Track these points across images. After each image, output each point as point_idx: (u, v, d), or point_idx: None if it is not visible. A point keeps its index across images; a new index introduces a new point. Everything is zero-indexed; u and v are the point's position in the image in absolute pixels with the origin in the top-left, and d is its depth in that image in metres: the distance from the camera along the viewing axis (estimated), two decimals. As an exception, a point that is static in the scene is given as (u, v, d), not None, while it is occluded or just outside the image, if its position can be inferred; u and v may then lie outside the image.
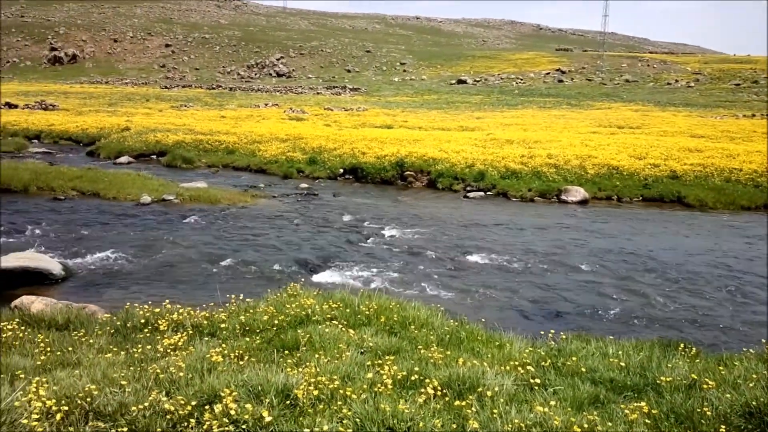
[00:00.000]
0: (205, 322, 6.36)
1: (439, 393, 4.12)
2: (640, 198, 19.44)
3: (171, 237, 12.87)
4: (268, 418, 3.60)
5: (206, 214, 15.25)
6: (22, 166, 19.03)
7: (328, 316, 6.42)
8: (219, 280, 10.05)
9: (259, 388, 4.08)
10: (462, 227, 15.01)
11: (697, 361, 5.45)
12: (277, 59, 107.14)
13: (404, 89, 79.16)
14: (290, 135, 27.48)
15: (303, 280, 9.57)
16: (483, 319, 6.88)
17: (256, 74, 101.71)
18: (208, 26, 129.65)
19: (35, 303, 7.59)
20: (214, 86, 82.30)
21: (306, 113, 43.84)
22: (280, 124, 33.86)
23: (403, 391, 4.24)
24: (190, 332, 6.06)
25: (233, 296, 7.15)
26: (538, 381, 4.54)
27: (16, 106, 43.15)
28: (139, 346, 5.50)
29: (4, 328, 6.08)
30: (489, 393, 4.12)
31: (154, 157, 25.60)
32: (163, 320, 6.29)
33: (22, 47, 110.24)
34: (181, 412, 3.68)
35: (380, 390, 4.10)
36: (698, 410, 4.04)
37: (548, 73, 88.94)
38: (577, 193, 19.14)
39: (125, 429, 3.50)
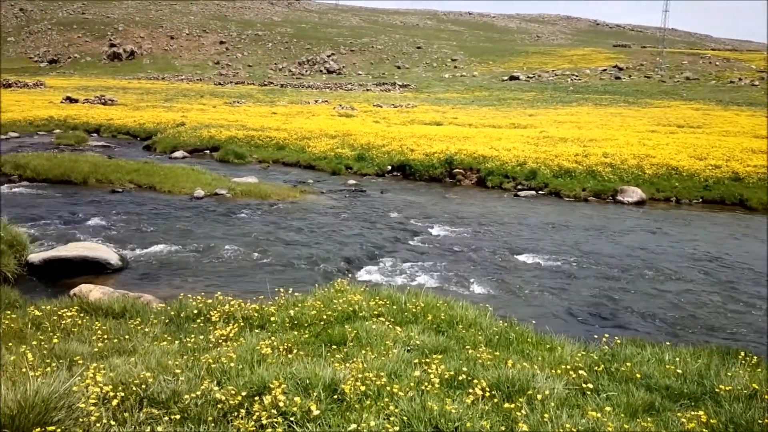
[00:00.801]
0: (255, 314, 6.47)
1: (487, 394, 4.06)
2: (700, 200, 18.72)
3: (223, 230, 13.15)
4: (315, 412, 3.62)
5: (256, 208, 15.51)
6: (82, 159, 19.80)
7: (375, 312, 6.42)
8: (268, 273, 10.21)
9: (307, 381, 4.10)
10: (512, 226, 14.78)
11: (759, 370, 5.20)
12: (328, 56, 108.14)
13: (454, 86, 78.64)
14: (339, 131, 27.68)
15: (350, 276, 9.63)
16: (533, 321, 6.74)
17: (306, 71, 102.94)
18: (261, 23, 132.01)
19: (93, 291, 7.87)
20: (265, 83, 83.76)
21: (355, 110, 44.09)
22: (330, 121, 34.14)
23: (450, 391, 4.20)
24: (241, 324, 6.17)
25: (282, 290, 7.24)
26: (590, 386, 4.41)
27: (76, 101, 44.86)
28: (192, 336, 5.63)
29: (64, 314, 6.33)
30: (539, 396, 4.02)
31: (208, 152, 26.22)
32: (215, 311, 6.43)
33: (83, 43, 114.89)
34: (231, 402, 3.74)
35: (427, 389, 4.06)
36: (759, 421, 3.85)
37: (605, 70, 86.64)
38: (634, 193, 18.58)
39: (178, 416, 3.57)
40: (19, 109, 37.32)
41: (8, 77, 67.16)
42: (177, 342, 5.51)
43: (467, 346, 5.38)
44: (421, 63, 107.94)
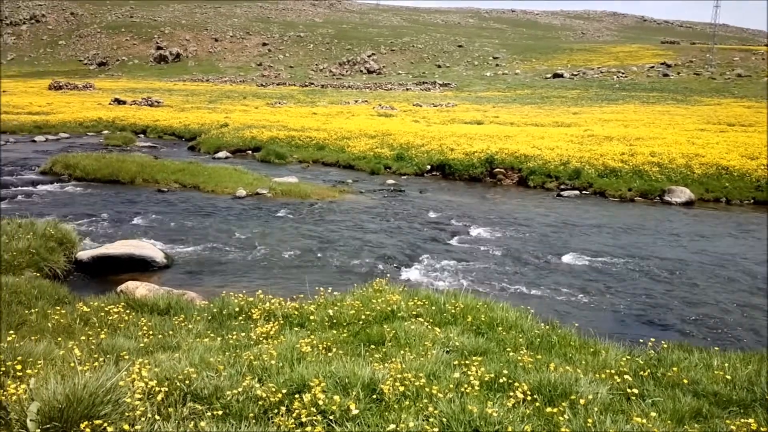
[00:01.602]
0: (295, 312, 6.53)
1: (528, 398, 3.99)
2: (752, 200, 18.03)
3: (263, 229, 13.34)
4: (354, 411, 3.62)
5: (296, 208, 15.68)
6: (129, 159, 20.39)
7: (414, 313, 6.39)
8: (307, 272, 10.30)
9: (346, 380, 4.12)
10: (554, 227, 14.53)
11: (815, 378, 4.96)
12: (368, 56, 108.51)
13: (496, 84, 77.84)
14: (378, 131, 27.73)
15: (388, 275, 9.62)
16: (576, 324, 6.60)
17: (347, 71, 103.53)
18: (303, 25, 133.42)
19: (139, 288, 8.09)
20: (306, 83, 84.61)
21: (394, 109, 44.10)
22: (369, 121, 34.24)
23: (491, 394, 4.14)
24: (281, 322, 6.24)
25: (321, 289, 7.29)
26: (635, 391, 4.29)
27: (124, 102, 46.20)
28: (234, 333, 5.72)
29: (111, 310, 6.52)
30: (582, 401, 3.93)
31: (250, 152, 26.64)
32: (256, 309, 6.52)
33: (131, 46, 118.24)
34: (272, 399, 3.78)
35: (467, 390, 4.02)
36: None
37: (652, 67, 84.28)
38: (682, 193, 18.04)
39: (220, 412, 3.62)
40: (70, 111, 38.69)
41: (59, 79, 69.75)
42: (219, 339, 5.61)
43: (507, 349, 5.31)
44: (462, 62, 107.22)
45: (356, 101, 53.84)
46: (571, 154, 21.27)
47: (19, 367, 4.14)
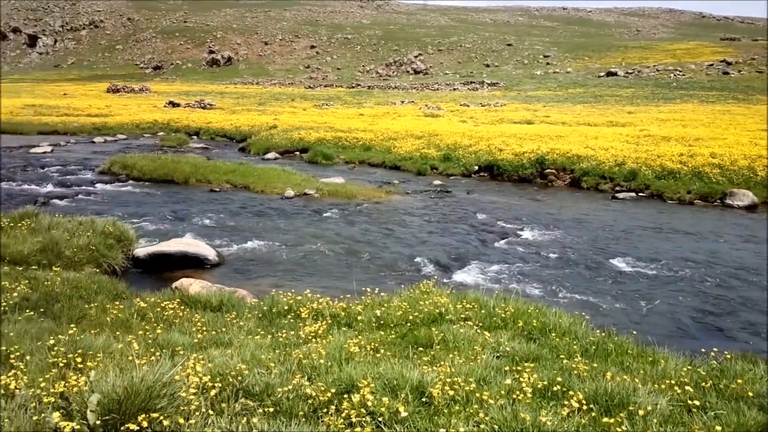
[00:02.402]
0: (342, 312, 6.55)
1: (584, 407, 3.86)
2: (820, 205, 17.11)
3: (311, 229, 13.46)
4: (403, 413, 3.59)
5: (343, 208, 15.76)
6: (183, 160, 20.95)
7: (462, 316, 6.31)
8: (354, 272, 10.33)
9: (395, 382, 4.09)
10: (609, 230, 14.13)
11: None
12: (415, 56, 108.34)
13: (547, 83, 76.47)
14: (425, 132, 27.62)
15: (435, 277, 9.54)
16: (633, 331, 6.38)
17: (393, 72, 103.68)
18: (350, 26, 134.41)
19: (193, 285, 8.27)
20: (353, 85, 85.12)
21: (441, 110, 43.87)
22: (415, 121, 34.17)
23: (543, 402, 4.04)
24: (329, 321, 6.27)
25: (368, 289, 7.29)
26: (696, 403, 4.10)
27: (178, 105, 47.57)
28: (283, 331, 5.78)
29: (167, 306, 6.69)
30: (641, 412, 3.78)
31: (298, 153, 26.97)
32: (305, 308, 6.57)
33: (184, 50, 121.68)
34: (321, 398, 3.79)
35: (518, 397, 3.93)
36: None
37: (711, 65, 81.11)
38: (745, 196, 17.27)
39: (271, 409, 3.65)
40: (127, 113, 40.11)
41: (116, 83, 72.41)
42: (269, 336, 5.67)
43: (561, 356, 5.17)
44: (511, 61, 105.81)
45: (402, 102, 53.84)
46: (627, 154, 20.67)
47: (79, 359, 4.29)
